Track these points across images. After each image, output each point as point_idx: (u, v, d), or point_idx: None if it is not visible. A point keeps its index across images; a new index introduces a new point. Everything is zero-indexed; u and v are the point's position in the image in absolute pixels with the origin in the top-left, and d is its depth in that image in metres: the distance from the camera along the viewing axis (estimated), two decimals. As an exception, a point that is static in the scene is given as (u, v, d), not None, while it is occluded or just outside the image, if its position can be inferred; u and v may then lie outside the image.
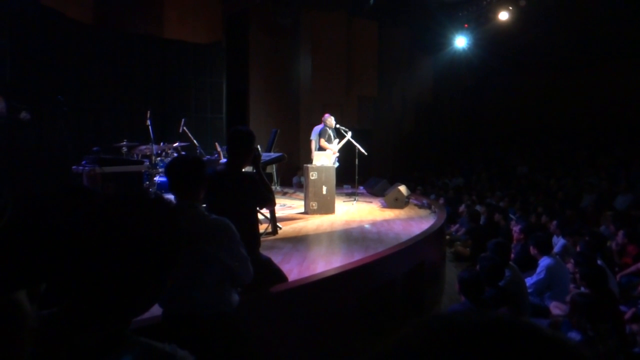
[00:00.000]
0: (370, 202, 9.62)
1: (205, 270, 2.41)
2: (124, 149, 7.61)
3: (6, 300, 0.90)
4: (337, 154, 8.84)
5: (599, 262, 5.09)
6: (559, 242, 6.54)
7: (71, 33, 9.16)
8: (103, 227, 1.06)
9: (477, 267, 4.47)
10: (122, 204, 1.12)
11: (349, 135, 8.89)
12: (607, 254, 6.07)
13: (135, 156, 7.62)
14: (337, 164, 8.51)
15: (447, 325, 0.47)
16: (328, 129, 8.90)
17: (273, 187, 8.56)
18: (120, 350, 1.03)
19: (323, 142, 8.72)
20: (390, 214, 8.27)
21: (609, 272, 5.24)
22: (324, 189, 7.91)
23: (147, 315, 1.20)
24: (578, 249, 5.77)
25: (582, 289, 4.39)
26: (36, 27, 8.27)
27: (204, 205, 3.51)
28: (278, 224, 6.56)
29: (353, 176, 9.43)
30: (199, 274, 2.39)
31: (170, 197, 2.78)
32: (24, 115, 6.52)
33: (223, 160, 7.88)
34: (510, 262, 5.03)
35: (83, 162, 6.17)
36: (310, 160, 8.45)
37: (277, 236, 6.24)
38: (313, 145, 9.10)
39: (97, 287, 1.04)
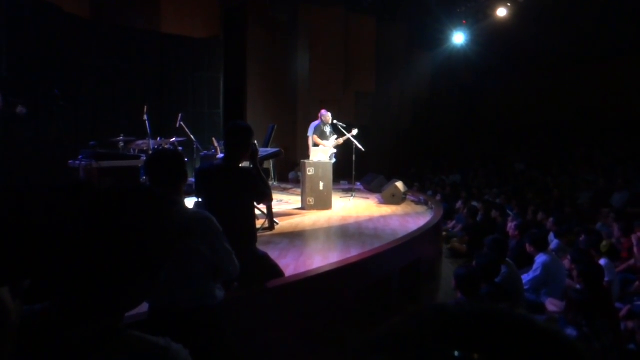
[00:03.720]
0: (367, 198, 9.62)
1: (188, 265, 2.40)
2: (121, 144, 7.59)
3: None
4: (335, 150, 8.83)
5: (603, 260, 5.08)
6: (554, 241, 6.56)
7: (68, 27, 9.12)
8: (96, 220, 1.05)
9: (474, 263, 4.48)
10: (115, 198, 1.11)
11: (353, 133, 8.84)
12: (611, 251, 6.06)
13: (132, 151, 7.60)
14: (334, 160, 8.50)
15: (440, 314, 0.46)
16: (324, 125, 8.89)
17: (270, 183, 8.56)
18: (113, 344, 1.02)
19: (316, 138, 8.73)
20: (387, 210, 8.27)
21: (613, 269, 5.26)
22: (321, 184, 7.91)
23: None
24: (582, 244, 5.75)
25: (578, 286, 4.40)
26: (33, 21, 8.22)
27: (200, 199, 3.51)
28: (275, 219, 6.56)
29: (350, 172, 9.43)
30: (182, 268, 2.38)
31: None
32: (20, 109, 6.49)
33: (220, 155, 7.88)
34: (507, 259, 5.04)
35: (80, 157, 6.15)
36: (307, 156, 8.45)
37: (274, 231, 6.24)
38: (310, 141, 9.09)
39: (90, 280, 1.03)
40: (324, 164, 7.98)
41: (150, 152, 7.60)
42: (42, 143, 8.10)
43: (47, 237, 1.01)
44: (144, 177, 7.23)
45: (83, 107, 9.38)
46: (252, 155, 3.61)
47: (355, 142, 8.85)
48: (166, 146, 7.98)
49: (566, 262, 5.46)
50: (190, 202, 7.22)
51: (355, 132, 8.89)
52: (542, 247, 5.51)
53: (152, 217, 1.11)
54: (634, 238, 6.09)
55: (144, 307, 2.49)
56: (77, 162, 6.01)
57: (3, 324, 0.92)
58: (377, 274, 4.82)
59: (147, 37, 10.70)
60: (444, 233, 9.04)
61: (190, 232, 2.37)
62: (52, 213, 1.05)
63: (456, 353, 0.41)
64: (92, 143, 6.61)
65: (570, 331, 3.37)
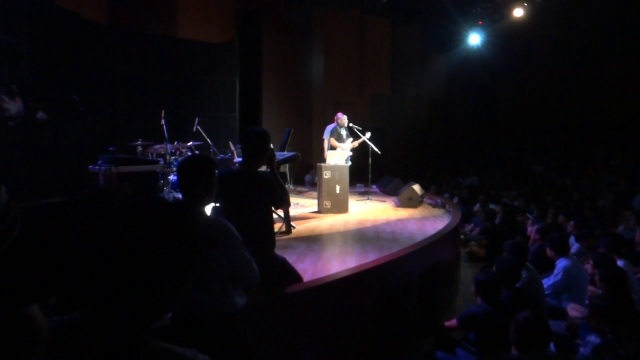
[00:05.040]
0: (384, 201, 9.58)
1: (206, 273, 2.39)
2: (139, 148, 7.67)
3: (19, 314, 0.89)
4: (350, 153, 8.82)
5: (620, 262, 4.98)
6: (575, 244, 6.45)
7: (86, 33, 9.25)
8: (123, 233, 1.05)
9: (493, 268, 4.43)
10: (142, 209, 1.11)
11: (367, 137, 8.85)
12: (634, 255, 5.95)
13: (149, 155, 7.68)
14: (349, 163, 8.49)
15: None
16: (340, 127, 8.90)
17: (286, 186, 8.55)
18: (140, 355, 1.02)
19: (333, 141, 8.77)
20: (404, 213, 8.22)
21: (631, 271, 5.15)
22: (338, 188, 7.89)
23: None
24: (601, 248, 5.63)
25: (600, 291, 4.32)
26: (52, 28, 8.35)
27: (218, 204, 3.52)
28: (292, 223, 6.55)
29: (366, 175, 9.40)
30: (201, 276, 2.38)
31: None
32: (40, 115, 6.61)
33: (237, 159, 7.91)
34: (527, 263, 4.97)
35: (99, 162, 6.23)
36: (323, 159, 8.44)
37: (291, 235, 6.24)
38: (325, 144, 9.10)
39: (118, 292, 1.03)
40: (340, 167, 7.96)
41: (175, 156, 7.68)
42: (62, 148, 8.22)
43: (74, 251, 1.01)
44: (161, 181, 7.30)
45: (102, 112, 9.50)
46: (270, 161, 3.61)
47: (371, 144, 8.83)
48: (183, 150, 8.03)
49: (588, 267, 5.37)
50: (208, 208, 7.26)
51: (368, 135, 8.88)
52: (563, 251, 5.41)
53: (179, 228, 1.10)
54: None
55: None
56: (97, 167, 6.08)
57: (35, 339, 0.92)
58: (395, 279, 4.78)
59: (163, 42, 10.82)
60: (462, 236, 8.96)
61: (208, 241, 2.37)
62: (78, 227, 1.05)
63: None
64: (111, 148, 6.68)
65: (594, 339, 3.31)
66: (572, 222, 7.34)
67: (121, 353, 1.01)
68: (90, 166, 6.29)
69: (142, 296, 1.05)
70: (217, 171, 2.60)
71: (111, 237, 1.05)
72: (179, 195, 2.70)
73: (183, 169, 2.57)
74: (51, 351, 1.00)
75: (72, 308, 1.09)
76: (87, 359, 0.99)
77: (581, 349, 3.38)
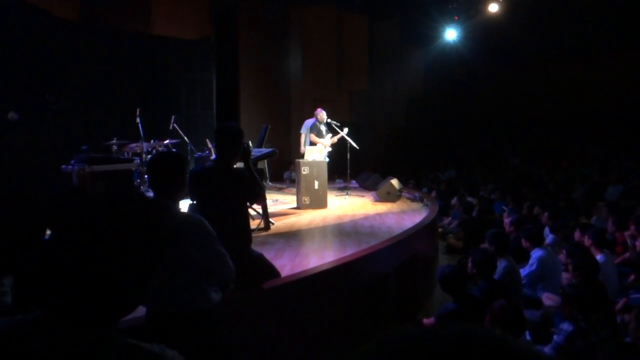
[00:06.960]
0: (363, 196, 9.62)
1: (181, 269, 2.38)
2: (114, 147, 7.55)
3: None
4: (330, 149, 8.83)
5: (599, 256, 5.05)
6: (549, 235, 6.56)
7: (58, 31, 9.06)
8: (83, 227, 1.04)
9: (469, 259, 4.47)
10: (102, 204, 1.10)
11: (344, 132, 8.86)
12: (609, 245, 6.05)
13: (125, 154, 7.57)
14: (327, 159, 8.49)
15: (410, 343, 0.43)
16: (319, 123, 8.89)
17: (265, 183, 8.54)
18: (106, 352, 1.01)
19: (313, 137, 8.74)
20: (382, 207, 8.27)
21: (612, 265, 5.25)
22: (316, 183, 7.89)
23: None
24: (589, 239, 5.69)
25: (574, 280, 4.40)
26: (23, 26, 8.17)
27: (194, 202, 3.50)
28: (270, 219, 6.54)
29: (345, 170, 9.42)
30: (175, 272, 2.36)
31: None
32: (12, 115, 6.45)
33: (214, 156, 7.85)
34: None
35: (72, 162, 6.11)
36: (301, 155, 8.43)
37: (269, 232, 6.22)
38: (302, 138, 9.09)
39: (79, 288, 1.02)
40: (319, 162, 7.96)
41: (151, 154, 7.58)
42: (35, 148, 8.05)
43: (30, 244, 0.99)
44: (137, 180, 7.21)
45: (75, 111, 9.32)
46: (245, 156, 3.60)
47: (349, 139, 8.85)
48: (159, 148, 7.94)
49: (562, 257, 5.47)
50: (184, 205, 7.21)
51: (346, 130, 8.89)
52: (538, 242, 5.50)
53: (140, 223, 1.09)
54: (626, 235, 6.10)
55: (141, 311, 2.48)
56: (70, 166, 5.97)
57: None
58: (373, 272, 4.81)
59: (138, 39, 10.66)
60: (440, 230, 9.04)
61: (182, 237, 2.35)
62: (39, 220, 1.04)
63: None
64: (84, 147, 6.56)
65: (567, 326, 3.37)
66: (546, 214, 7.47)
67: (87, 351, 1.00)
68: (63, 166, 6.18)
69: (106, 292, 1.03)
70: (191, 168, 2.59)
71: (72, 231, 1.04)
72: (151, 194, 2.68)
73: (152, 166, 2.55)
74: (13, 351, 0.99)
75: (35, 307, 1.07)
76: (51, 359, 0.98)
77: (555, 337, 3.45)
